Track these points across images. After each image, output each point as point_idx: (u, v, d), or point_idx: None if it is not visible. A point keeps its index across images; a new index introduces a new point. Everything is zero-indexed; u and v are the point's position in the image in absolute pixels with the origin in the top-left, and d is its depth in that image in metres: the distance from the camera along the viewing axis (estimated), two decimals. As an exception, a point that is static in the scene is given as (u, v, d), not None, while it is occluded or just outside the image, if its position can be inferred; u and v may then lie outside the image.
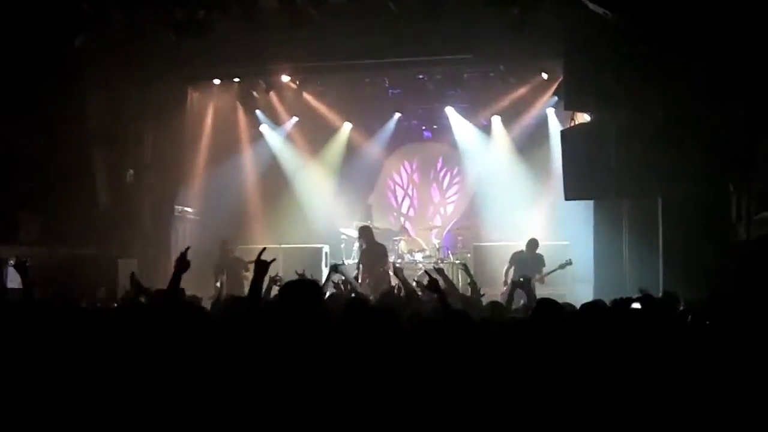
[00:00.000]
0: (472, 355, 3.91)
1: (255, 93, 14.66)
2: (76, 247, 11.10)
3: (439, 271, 7.07)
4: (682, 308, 6.27)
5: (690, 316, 5.39)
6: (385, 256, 11.80)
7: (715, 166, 8.92)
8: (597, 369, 3.89)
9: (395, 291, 6.91)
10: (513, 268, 11.92)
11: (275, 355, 3.79)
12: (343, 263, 7.79)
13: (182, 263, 4.50)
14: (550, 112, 14.57)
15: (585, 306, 4.79)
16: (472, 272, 7.95)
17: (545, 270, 11.72)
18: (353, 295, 6.94)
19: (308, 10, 10.62)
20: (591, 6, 9.70)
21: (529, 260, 11.70)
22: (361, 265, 11.33)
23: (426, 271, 7.46)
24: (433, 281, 5.21)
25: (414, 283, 7.22)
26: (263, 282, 4.47)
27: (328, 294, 6.81)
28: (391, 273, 10.81)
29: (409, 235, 14.88)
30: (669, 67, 9.22)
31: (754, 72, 8.25)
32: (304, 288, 4.37)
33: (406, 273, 8.50)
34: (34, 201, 10.61)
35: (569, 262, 11.67)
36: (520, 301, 7.03)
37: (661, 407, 3.72)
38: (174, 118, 13.21)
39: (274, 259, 4.44)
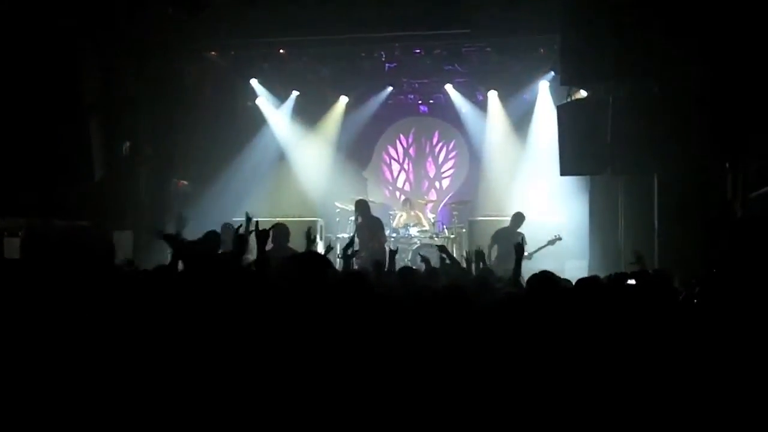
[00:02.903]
0: (467, 328, 3.94)
1: (251, 66, 14.61)
2: (72, 218, 11.07)
3: (442, 248, 7.09)
4: (675, 285, 6.29)
5: (684, 294, 5.42)
6: (382, 229, 11.79)
7: (711, 142, 8.92)
8: (591, 344, 3.92)
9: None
10: (496, 245, 11.84)
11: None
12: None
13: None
14: (545, 88, 14.54)
15: (581, 281, 4.81)
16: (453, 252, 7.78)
17: (535, 247, 11.68)
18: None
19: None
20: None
21: (510, 237, 11.40)
22: (357, 239, 11.34)
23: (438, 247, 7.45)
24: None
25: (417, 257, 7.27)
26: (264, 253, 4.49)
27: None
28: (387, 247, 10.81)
29: (413, 210, 14.86)
30: (666, 43, 9.18)
31: (752, 48, 8.22)
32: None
33: (401, 248, 8.53)
34: (29, 173, 10.56)
35: (558, 238, 11.57)
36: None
37: (652, 385, 3.75)
38: (170, 91, 13.14)
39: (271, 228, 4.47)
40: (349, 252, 6.71)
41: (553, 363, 3.74)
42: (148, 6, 10.88)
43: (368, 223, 11.66)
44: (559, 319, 4.09)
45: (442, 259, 7.21)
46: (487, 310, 4.22)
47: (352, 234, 12.03)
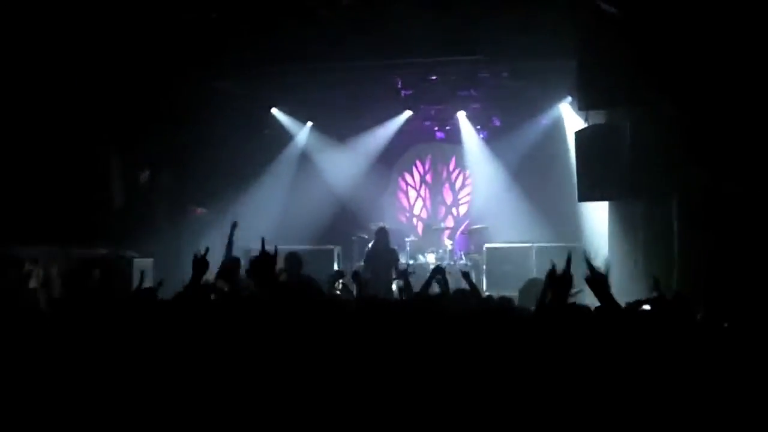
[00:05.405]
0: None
1: (268, 94, 14.70)
2: (91, 247, 11.12)
3: (465, 274, 7.01)
4: (697, 312, 6.19)
5: (704, 321, 5.33)
6: (396, 261, 11.59)
7: (731, 167, 8.83)
8: (607, 371, 3.87)
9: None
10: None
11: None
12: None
13: (200, 265, 4.52)
14: (564, 113, 14.50)
15: (599, 308, 4.76)
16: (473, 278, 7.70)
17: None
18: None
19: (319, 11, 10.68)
20: (603, 5, 9.66)
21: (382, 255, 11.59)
22: (367, 267, 11.25)
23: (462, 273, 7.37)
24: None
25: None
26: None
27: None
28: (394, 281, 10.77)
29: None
30: (683, 66, 9.14)
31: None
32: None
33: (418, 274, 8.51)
34: (49, 201, 10.64)
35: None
36: None
37: (668, 411, 3.70)
38: (189, 118, 13.22)
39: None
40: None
41: (569, 389, 3.69)
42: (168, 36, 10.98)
43: (382, 253, 11.50)
44: (578, 345, 4.05)
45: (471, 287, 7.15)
46: (508, 332, 4.19)
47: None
